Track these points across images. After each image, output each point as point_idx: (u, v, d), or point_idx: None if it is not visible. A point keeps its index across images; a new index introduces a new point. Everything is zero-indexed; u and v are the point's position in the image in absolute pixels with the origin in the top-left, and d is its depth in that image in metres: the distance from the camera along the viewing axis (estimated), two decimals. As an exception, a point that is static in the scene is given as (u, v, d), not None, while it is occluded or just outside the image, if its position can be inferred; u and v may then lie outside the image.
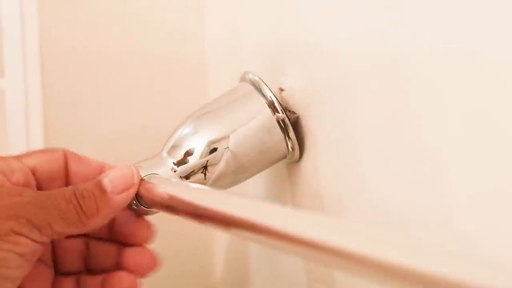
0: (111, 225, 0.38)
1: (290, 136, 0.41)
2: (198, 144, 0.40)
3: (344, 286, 0.39)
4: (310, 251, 0.24)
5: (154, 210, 0.37)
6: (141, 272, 0.36)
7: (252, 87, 0.42)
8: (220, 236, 0.62)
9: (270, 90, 0.41)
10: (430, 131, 0.29)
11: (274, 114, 0.41)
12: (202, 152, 0.40)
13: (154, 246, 0.37)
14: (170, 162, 0.40)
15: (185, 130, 0.41)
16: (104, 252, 0.37)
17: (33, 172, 0.35)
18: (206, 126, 0.41)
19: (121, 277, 0.36)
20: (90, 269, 0.38)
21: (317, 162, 0.41)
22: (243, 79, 0.44)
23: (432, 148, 0.29)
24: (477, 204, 0.27)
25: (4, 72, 0.56)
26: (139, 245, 0.37)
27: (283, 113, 0.41)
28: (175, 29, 0.62)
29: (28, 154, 0.36)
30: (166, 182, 0.36)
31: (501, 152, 0.25)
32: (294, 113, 0.42)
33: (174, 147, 0.40)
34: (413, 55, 0.30)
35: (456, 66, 0.27)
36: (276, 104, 0.41)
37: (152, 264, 0.37)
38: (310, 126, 0.41)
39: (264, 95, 0.41)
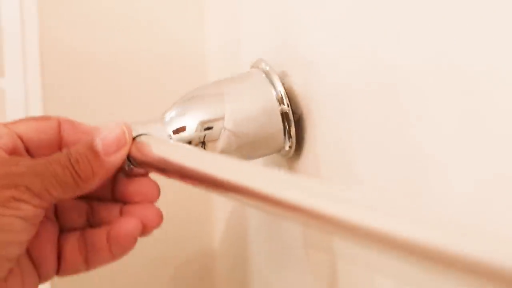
0: (114, 185, 0.37)
1: (291, 132, 0.41)
2: (190, 123, 0.39)
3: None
4: (301, 215, 0.24)
5: (146, 171, 0.36)
6: (146, 226, 0.36)
7: (263, 75, 0.42)
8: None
9: (281, 82, 0.41)
10: (426, 131, 0.29)
11: (280, 105, 0.41)
12: (196, 129, 0.39)
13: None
14: (168, 129, 0.39)
15: (180, 108, 0.40)
16: (107, 210, 0.37)
17: (21, 138, 0.35)
18: (202, 106, 0.40)
19: (126, 220, 0.36)
20: (94, 225, 0.38)
21: (317, 162, 0.41)
22: (255, 66, 0.43)
23: (430, 147, 0.29)
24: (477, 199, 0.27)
25: (4, 72, 0.56)
26: (142, 203, 0.37)
27: (288, 106, 0.41)
28: (175, 31, 0.62)
29: (17, 121, 0.36)
30: (158, 142, 0.35)
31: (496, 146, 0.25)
32: (295, 112, 0.42)
33: (171, 120, 0.40)
34: (408, 59, 0.30)
35: (445, 72, 0.27)
36: (284, 97, 0.41)
37: (156, 219, 0.36)
38: (310, 126, 0.41)
39: (274, 86, 0.41)
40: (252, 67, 0.44)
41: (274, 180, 0.26)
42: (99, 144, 0.34)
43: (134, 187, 0.37)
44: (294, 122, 0.41)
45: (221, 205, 0.61)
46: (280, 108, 0.41)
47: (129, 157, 0.35)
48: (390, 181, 0.33)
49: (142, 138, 0.36)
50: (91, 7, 0.59)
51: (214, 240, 0.63)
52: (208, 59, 0.62)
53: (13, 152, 0.35)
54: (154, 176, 0.37)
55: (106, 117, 0.60)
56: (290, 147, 0.41)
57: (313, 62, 0.40)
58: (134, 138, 0.35)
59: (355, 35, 0.35)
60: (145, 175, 0.37)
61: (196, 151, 0.36)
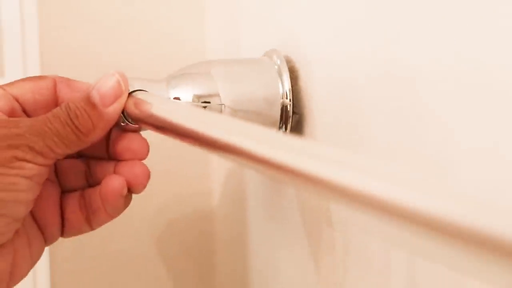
0: (107, 143, 0.38)
1: (287, 128, 0.41)
2: (184, 96, 0.39)
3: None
4: (301, 180, 0.23)
5: (139, 127, 0.36)
6: (133, 184, 0.36)
7: (275, 67, 0.42)
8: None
9: (290, 79, 0.41)
10: (433, 135, 0.29)
11: (282, 98, 0.41)
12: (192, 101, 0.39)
13: (151, 167, 0.37)
14: (169, 92, 0.39)
15: (192, 72, 0.40)
16: (103, 168, 0.38)
17: (17, 100, 0.36)
18: (192, 80, 0.40)
19: (111, 179, 0.36)
20: (91, 184, 0.38)
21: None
22: (268, 55, 0.43)
23: (436, 153, 0.29)
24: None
25: (4, 72, 0.56)
26: (131, 160, 0.37)
27: (290, 101, 0.41)
28: (176, 31, 0.62)
29: (12, 83, 0.36)
30: (157, 99, 0.35)
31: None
32: (295, 113, 0.42)
33: (176, 81, 0.39)
34: (412, 58, 0.30)
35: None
36: (288, 92, 0.41)
37: (143, 177, 0.36)
38: (310, 126, 0.41)
39: (282, 81, 0.41)
40: (265, 55, 0.44)
41: (275, 143, 0.25)
42: (95, 96, 0.34)
43: (125, 144, 0.37)
44: (291, 119, 0.41)
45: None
46: (282, 101, 0.41)
47: (124, 113, 0.35)
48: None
49: (139, 94, 0.35)
50: (91, 7, 0.59)
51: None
52: (208, 58, 0.62)
53: (11, 113, 0.35)
54: (147, 133, 0.37)
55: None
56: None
57: (313, 62, 0.40)
58: (130, 93, 0.35)
59: (355, 35, 0.35)
60: (137, 131, 0.37)
61: (197, 110, 0.36)
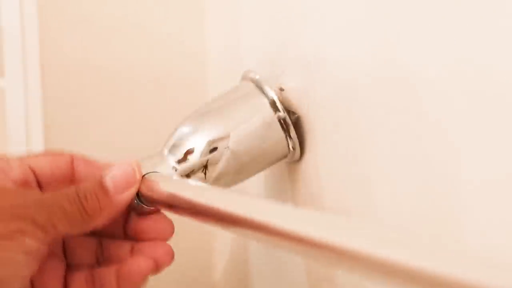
0: (126, 223, 0.37)
1: (291, 135, 0.41)
2: (198, 143, 0.40)
3: (346, 285, 0.39)
4: (311, 249, 0.24)
5: (156, 208, 0.37)
6: (158, 264, 0.36)
7: (253, 86, 0.42)
8: (220, 235, 0.61)
9: (272, 89, 0.41)
10: (430, 129, 0.29)
11: (276, 113, 0.41)
12: (203, 152, 0.40)
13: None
14: (171, 160, 0.40)
15: (185, 129, 0.41)
16: (117, 248, 0.37)
17: (34, 172, 0.35)
18: (207, 125, 0.41)
19: (138, 259, 0.35)
20: (102, 262, 0.37)
21: (317, 162, 0.41)
22: (244, 78, 0.44)
23: (435, 153, 0.29)
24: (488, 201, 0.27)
25: (4, 72, 0.56)
26: (155, 240, 0.37)
27: (284, 112, 0.41)
28: (176, 32, 0.62)
29: (31, 155, 0.36)
30: (167, 180, 0.36)
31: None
32: (294, 113, 0.42)
33: (175, 146, 0.40)
34: (412, 58, 0.30)
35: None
36: (278, 103, 0.41)
37: (167, 257, 0.36)
38: (310, 126, 0.41)
39: (265, 94, 0.41)
40: (242, 79, 0.44)
41: (283, 215, 0.27)
42: (109, 181, 0.34)
43: (148, 225, 0.37)
44: (292, 123, 0.41)
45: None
46: (277, 116, 0.41)
47: (138, 195, 0.35)
48: (394, 181, 0.33)
49: (152, 175, 0.36)
50: (91, 7, 0.59)
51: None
52: (208, 59, 0.62)
53: (23, 184, 0.35)
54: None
55: (105, 117, 0.60)
56: (293, 148, 0.42)
57: (314, 62, 0.40)
58: (143, 176, 0.36)
59: (355, 35, 0.35)
60: (158, 212, 0.37)
61: (204, 186, 0.37)
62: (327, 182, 0.40)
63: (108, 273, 0.36)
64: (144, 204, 0.36)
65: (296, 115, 0.42)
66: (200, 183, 0.39)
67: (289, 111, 0.42)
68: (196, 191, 0.34)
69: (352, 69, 0.36)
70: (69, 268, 0.37)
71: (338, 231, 0.23)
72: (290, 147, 0.41)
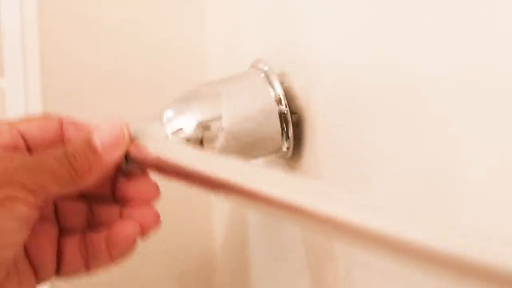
0: (113, 185, 0.37)
1: (289, 134, 0.41)
2: (188, 124, 0.40)
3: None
4: (299, 216, 0.24)
5: (145, 170, 0.36)
6: (144, 228, 0.36)
7: (262, 75, 0.42)
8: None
9: (280, 83, 0.41)
10: (434, 134, 0.29)
11: (278, 105, 0.41)
12: (194, 129, 0.39)
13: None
14: (166, 129, 0.39)
15: (179, 105, 0.40)
16: (107, 211, 0.37)
17: (23, 136, 0.35)
18: (196, 106, 0.40)
19: (124, 224, 0.35)
20: (93, 227, 0.37)
21: (317, 163, 0.41)
22: (254, 66, 0.43)
23: (436, 153, 0.29)
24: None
25: (4, 72, 0.56)
26: (142, 204, 0.36)
27: (286, 106, 0.41)
28: (175, 31, 0.62)
29: (20, 120, 0.36)
30: (156, 141, 0.35)
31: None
32: (295, 112, 0.42)
33: (170, 120, 0.40)
34: (412, 58, 0.30)
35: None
36: (282, 98, 0.41)
37: (154, 221, 0.36)
38: (310, 126, 0.41)
39: (272, 86, 0.41)
40: (251, 67, 0.44)
41: (272, 181, 0.26)
42: (97, 140, 0.34)
43: (133, 187, 0.36)
44: (292, 123, 0.41)
45: (221, 205, 0.61)
46: (278, 108, 0.41)
47: (126, 157, 0.35)
48: (394, 181, 0.33)
49: (140, 137, 0.36)
50: (91, 8, 0.59)
51: (214, 242, 0.63)
52: (208, 59, 0.62)
53: (12, 149, 0.35)
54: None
55: (105, 117, 0.60)
56: (287, 148, 0.41)
57: (314, 63, 0.40)
58: (132, 137, 0.35)
59: (355, 34, 0.35)
60: (145, 174, 0.37)
61: (193, 150, 0.36)
62: (327, 182, 0.40)
63: (98, 238, 0.36)
64: (133, 166, 0.36)
65: (297, 115, 0.42)
66: (188, 147, 0.38)
67: (290, 110, 0.42)
68: (184, 153, 0.33)
69: (352, 69, 0.36)
70: (62, 232, 0.37)
71: (328, 199, 0.23)
72: (285, 144, 0.41)
